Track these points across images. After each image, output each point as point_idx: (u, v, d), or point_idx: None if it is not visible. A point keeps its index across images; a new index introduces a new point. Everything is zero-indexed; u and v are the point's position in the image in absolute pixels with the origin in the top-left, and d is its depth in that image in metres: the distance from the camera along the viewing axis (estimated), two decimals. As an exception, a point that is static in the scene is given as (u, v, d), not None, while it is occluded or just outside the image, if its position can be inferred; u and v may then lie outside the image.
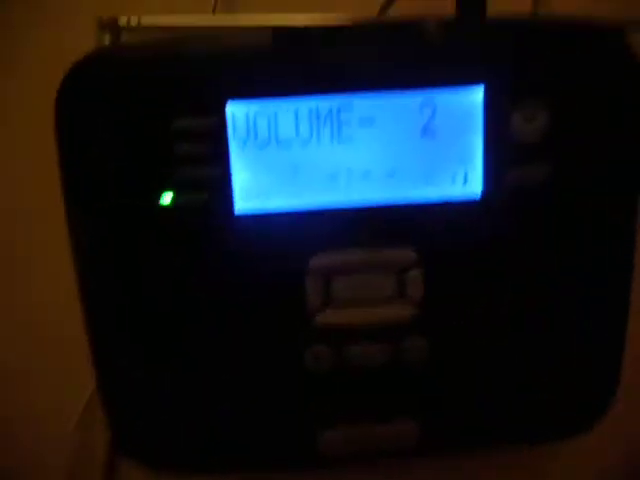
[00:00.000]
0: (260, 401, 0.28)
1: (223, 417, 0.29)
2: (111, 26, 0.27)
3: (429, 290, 0.27)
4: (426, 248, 0.27)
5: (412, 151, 0.26)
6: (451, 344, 0.28)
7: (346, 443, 0.29)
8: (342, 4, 0.30)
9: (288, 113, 0.26)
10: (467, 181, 0.27)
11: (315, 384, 0.28)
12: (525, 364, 0.29)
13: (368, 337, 0.28)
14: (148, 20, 0.27)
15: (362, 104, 0.26)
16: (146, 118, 0.25)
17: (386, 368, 0.28)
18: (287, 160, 0.26)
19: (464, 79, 0.26)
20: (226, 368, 0.28)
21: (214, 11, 0.31)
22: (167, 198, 0.26)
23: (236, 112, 0.25)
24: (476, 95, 0.26)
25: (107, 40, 0.27)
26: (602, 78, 0.26)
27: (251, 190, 0.26)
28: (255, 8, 0.31)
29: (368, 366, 0.28)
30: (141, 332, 0.28)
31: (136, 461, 0.30)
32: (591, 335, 0.29)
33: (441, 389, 0.29)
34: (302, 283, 0.27)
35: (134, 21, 0.27)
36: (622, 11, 0.28)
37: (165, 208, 0.26)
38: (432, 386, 0.29)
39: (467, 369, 0.29)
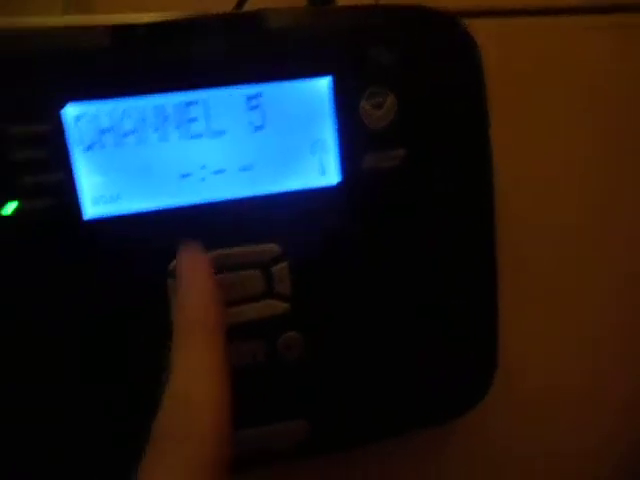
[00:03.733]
0: (134, 406, 0.27)
1: (85, 423, 0.27)
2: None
3: (298, 283, 0.27)
4: (289, 240, 0.27)
5: (265, 144, 0.26)
6: (326, 337, 0.28)
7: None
8: (200, 2, 0.30)
9: (132, 113, 0.25)
10: (324, 170, 0.27)
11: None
12: (401, 351, 0.29)
13: (241, 336, 0.27)
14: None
15: (208, 100, 0.25)
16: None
17: (264, 367, 0.28)
18: (136, 161, 0.25)
19: (311, 71, 0.26)
20: (87, 378, 0.27)
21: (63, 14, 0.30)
22: (9, 207, 0.25)
23: (75, 115, 0.24)
24: (323, 86, 0.26)
25: None
26: (443, 60, 0.27)
27: (100, 194, 0.25)
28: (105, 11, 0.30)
29: (244, 366, 0.28)
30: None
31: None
32: (463, 316, 0.29)
33: (323, 384, 0.29)
34: (164, 287, 0.26)
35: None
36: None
37: (8, 218, 0.25)
38: (313, 382, 0.29)
39: (345, 361, 0.29)
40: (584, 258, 0.37)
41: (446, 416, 0.31)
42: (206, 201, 0.26)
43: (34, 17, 0.28)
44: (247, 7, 0.31)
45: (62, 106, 0.24)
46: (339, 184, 0.26)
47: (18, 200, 0.24)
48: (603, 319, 0.38)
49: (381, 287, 0.28)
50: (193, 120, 0.25)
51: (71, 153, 0.24)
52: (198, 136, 0.25)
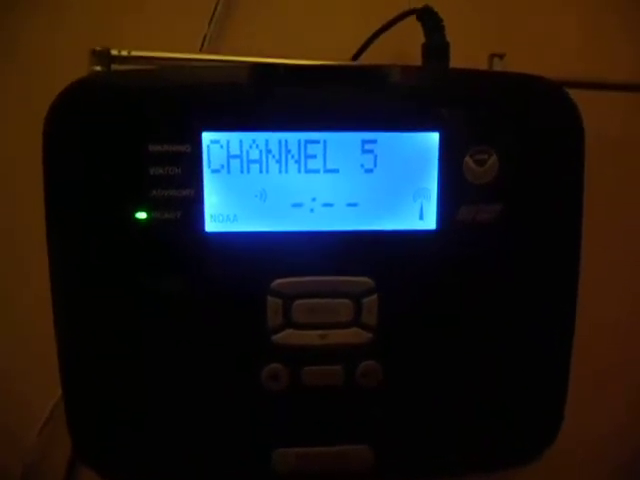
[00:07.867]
0: (217, 417, 0.30)
1: (181, 431, 0.30)
2: (102, 56, 0.29)
3: (384, 317, 0.29)
4: (382, 277, 0.29)
5: (373, 186, 0.28)
6: (404, 370, 0.30)
7: (300, 462, 0.30)
8: (319, 52, 0.33)
9: (259, 144, 0.28)
10: (423, 216, 0.29)
11: (271, 402, 0.29)
12: (476, 393, 0.30)
13: (324, 359, 0.29)
14: (138, 52, 0.30)
15: (328, 141, 0.28)
16: (128, 141, 0.27)
17: (341, 391, 0.30)
18: (255, 187, 0.28)
19: (423, 125, 0.28)
20: (186, 383, 0.29)
21: (201, 49, 0.33)
22: (143, 214, 0.28)
23: (211, 140, 0.27)
24: (432, 140, 0.28)
25: (98, 69, 0.29)
26: (546, 127, 0.29)
27: (221, 212, 0.28)
28: (238, 51, 0.33)
29: (323, 387, 0.29)
30: (107, 344, 0.29)
31: (96, 471, 0.31)
32: (539, 365, 0.30)
33: (394, 414, 0.30)
34: (264, 303, 0.29)
35: (125, 52, 0.29)
36: (563, 72, 0.31)
37: (141, 224, 0.28)
38: (386, 411, 0.30)
39: (420, 396, 0.30)
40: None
41: (508, 463, 0.32)
42: (312, 230, 0.28)
43: (174, 53, 0.32)
44: (363, 60, 0.34)
45: (201, 131, 0.27)
46: (436, 230, 0.29)
47: (149, 209, 0.28)
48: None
49: (461, 330, 0.30)
50: (312, 157, 0.28)
51: (202, 173, 0.28)
52: (314, 171, 0.28)
